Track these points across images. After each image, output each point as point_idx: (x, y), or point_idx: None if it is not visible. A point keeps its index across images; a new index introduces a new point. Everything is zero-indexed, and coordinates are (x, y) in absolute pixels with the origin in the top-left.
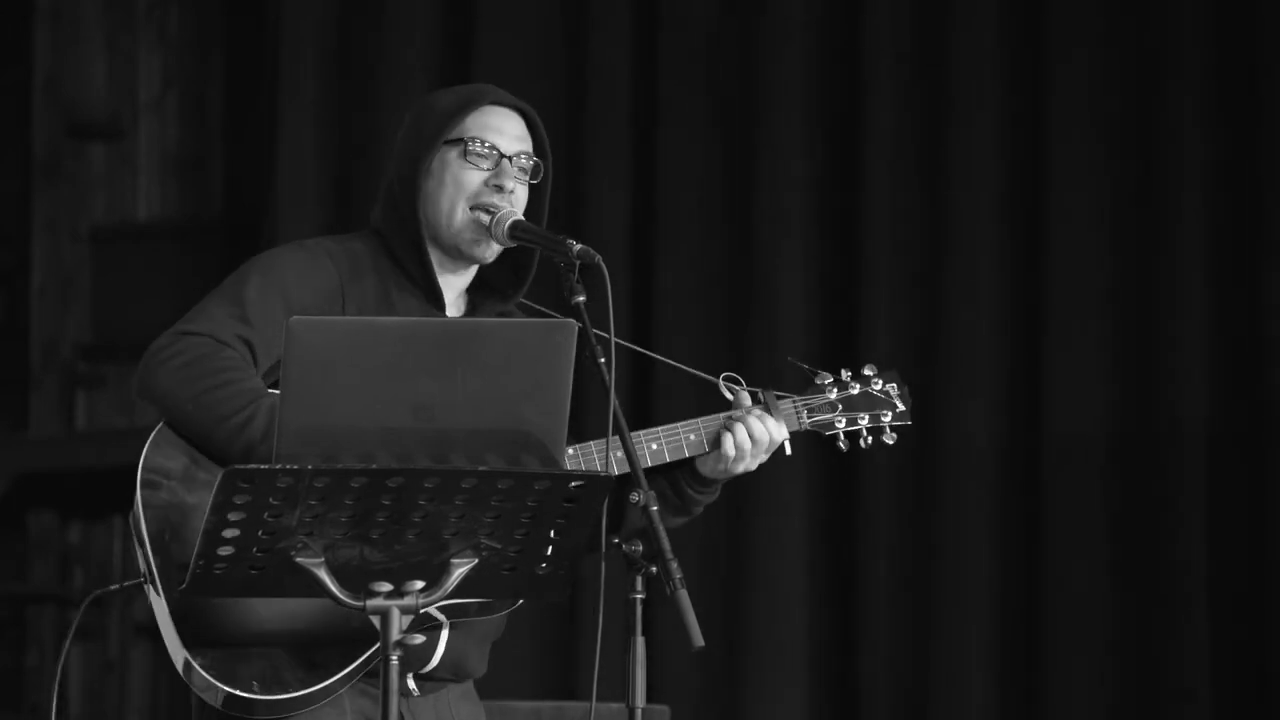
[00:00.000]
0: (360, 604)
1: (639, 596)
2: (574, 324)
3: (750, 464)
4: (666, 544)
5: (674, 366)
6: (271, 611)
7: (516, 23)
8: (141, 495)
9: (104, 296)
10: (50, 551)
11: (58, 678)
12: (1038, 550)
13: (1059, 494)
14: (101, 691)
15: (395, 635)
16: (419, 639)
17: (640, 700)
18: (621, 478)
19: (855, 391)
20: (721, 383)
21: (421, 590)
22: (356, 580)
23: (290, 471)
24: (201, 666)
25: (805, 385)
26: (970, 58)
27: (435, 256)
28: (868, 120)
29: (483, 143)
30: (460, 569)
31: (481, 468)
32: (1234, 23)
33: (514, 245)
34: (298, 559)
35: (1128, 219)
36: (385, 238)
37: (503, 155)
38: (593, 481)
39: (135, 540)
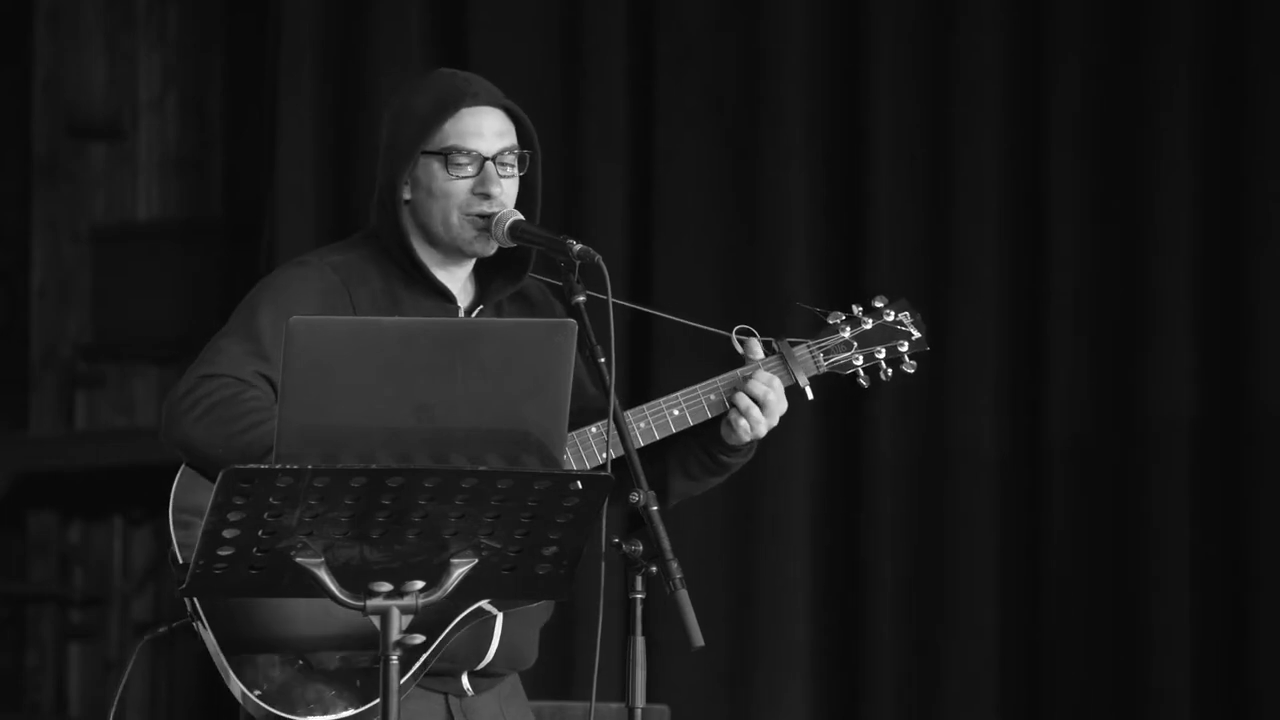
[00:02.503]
0: (360, 604)
1: (639, 596)
2: (574, 324)
3: (773, 421)
4: (666, 544)
5: (686, 325)
6: (317, 631)
7: (514, 22)
8: (177, 536)
9: (104, 296)
10: (50, 551)
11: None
12: (1040, 551)
13: (1061, 494)
14: (102, 691)
15: (395, 635)
16: (418, 639)
17: (640, 700)
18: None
19: (869, 326)
20: (734, 337)
21: (421, 590)
22: (356, 580)
23: (290, 471)
24: (258, 697)
25: (818, 327)
26: (971, 58)
27: (433, 255)
28: (868, 120)
29: (463, 151)
30: (460, 569)
31: (481, 468)
32: (1228, 21)
33: (514, 245)
34: (298, 559)
35: (1128, 220)
36: (382, 240)
37: (485, 158)
38: (593, 482)
39: (175, 582)
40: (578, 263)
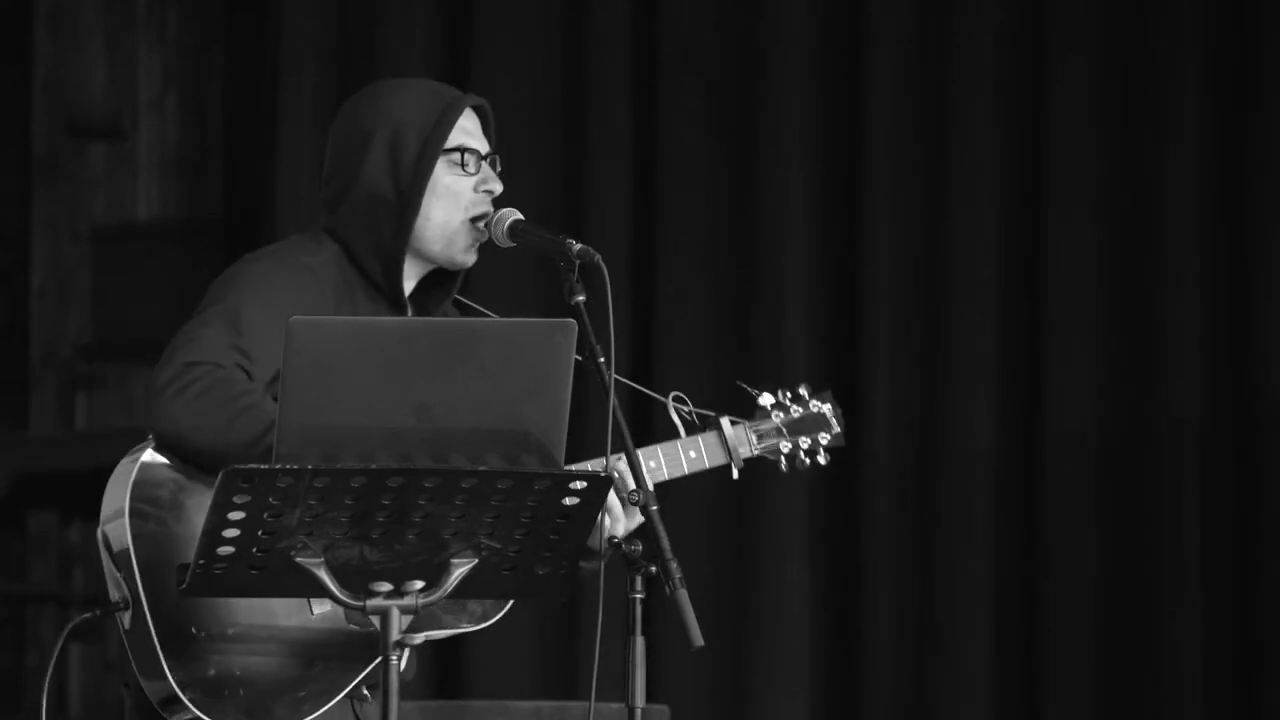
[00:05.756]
0: (360, 604)
1: (639, 596)
2: (574, 324)
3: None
4: (666, 544)
5: (626, 385)
6: (261, 635)
7: (516, 22)
8: (131, 524)
9: (104, 296)
10: (50, 551)
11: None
12: (1038, 551)
13: (1060, 495)
14: (101, 692)
15: (395, 635)
16: (419, 638)
17: (640, 700)
18: None
19: (798, 415)
20: (670, 404)
21: (421, 590)
22: (356, 580)
23: (290, 471)
24: (190, 700)
25: (750, 405)
26: (971, 58)
27: (404, 261)
28: (868, 118)
29: (467, 151)
30: (460, 569)
31: (481, 468)
32: (1230, 21)
33: (514, 245)
34: (298, 559)
35: (1126, 220)
36: (347, 245)
37: (483, 156)
38: (593, 481)
39: (114, 565)
40: (578, 262)
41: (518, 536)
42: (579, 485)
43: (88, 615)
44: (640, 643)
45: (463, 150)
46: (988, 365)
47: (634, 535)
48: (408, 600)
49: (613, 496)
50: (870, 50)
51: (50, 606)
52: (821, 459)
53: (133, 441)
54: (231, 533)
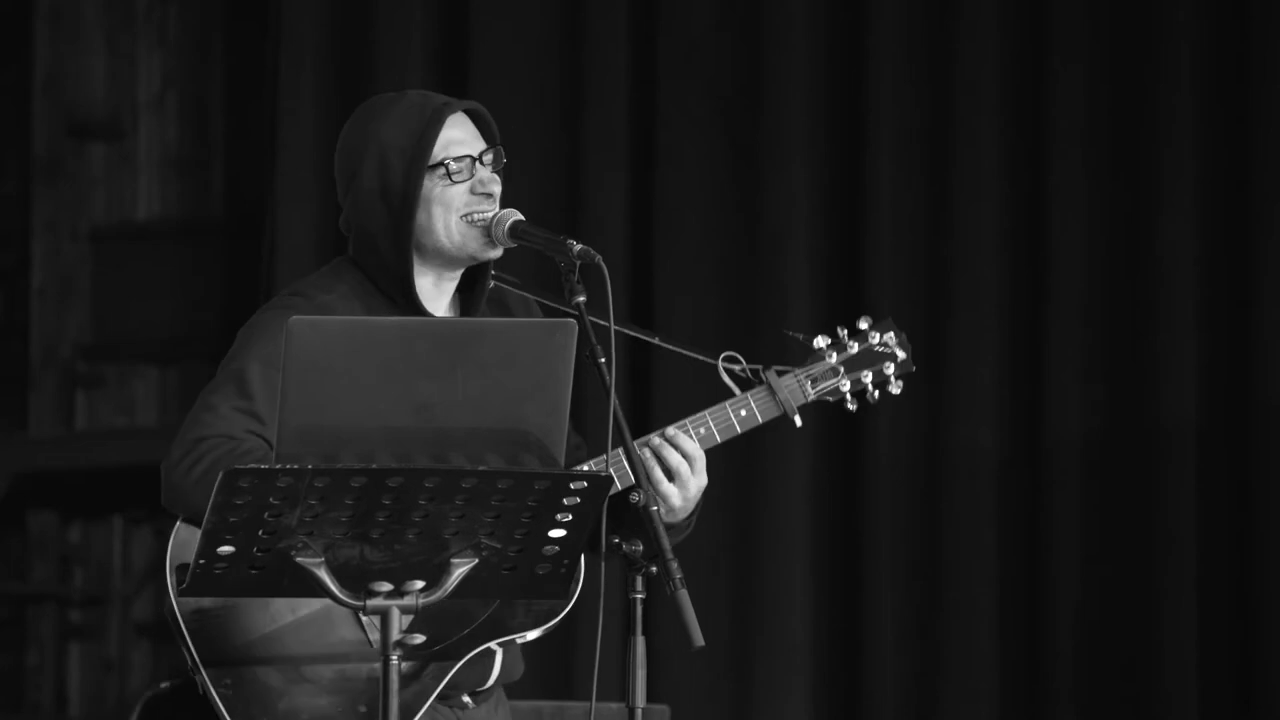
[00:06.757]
0: (360, 604)
1: (639, 596)
2: (574, 324)
3: (702, 480)
4: (666, 544)
5: (674, 351)
6: (328, 675)
7: (515, 22)
8: (175, 594)
9: (104, 296)
10: (50, 551)
11: None
12: (1040, 551)
13: (1060, 495)
14: (101, 692)
15: (395, 635)
16: (419, 639)
17: (640, 700)
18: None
19: (854, 350)
20: (721, 365)
21: (421, 590)
22: (356, 580)
23: (290, 471)
24: None
25: (805, 354)
26: (971, 58)
27: (428, 276)
28: (868, 120)
29: (456, 159)
30: (460, 569)
31: (481, 468)
32: (1230, 21)
33: (514, 246)
34: (298, 559)
35: (1126, 220)
36: (366, 270)
37: (475, 159)
38: (593, 481)
39: (177, 636)
40: (578, 263)
41: (518, 536)
42: (579, 485)
43: (164, 685)
44: (640, 643)
45: (446, 163)
46: (988, 366)
47: (634, 535)
48: (408, 600)
49: (684, 466)
50: (870, 50)
51: (50, 606)
52: (893, 389)
53: (133, 442)
54: (231, 533)
